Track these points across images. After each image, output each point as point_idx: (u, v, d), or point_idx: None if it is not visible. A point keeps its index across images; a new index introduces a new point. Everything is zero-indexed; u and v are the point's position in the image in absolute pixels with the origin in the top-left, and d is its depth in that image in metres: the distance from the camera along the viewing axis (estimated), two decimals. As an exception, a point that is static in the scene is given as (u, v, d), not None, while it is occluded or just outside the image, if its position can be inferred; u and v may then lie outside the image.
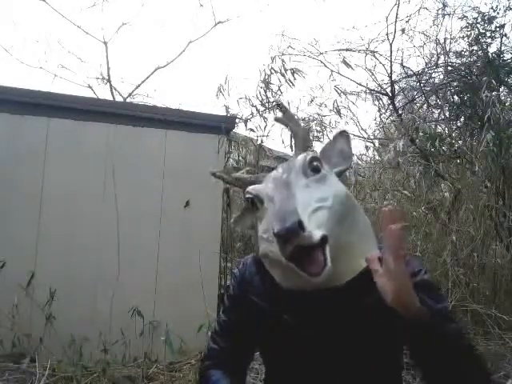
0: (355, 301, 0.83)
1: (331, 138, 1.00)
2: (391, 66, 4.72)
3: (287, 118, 1.01)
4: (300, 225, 0.69)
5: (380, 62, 4.98)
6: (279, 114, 1.01)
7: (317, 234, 0.71)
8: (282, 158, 4.05)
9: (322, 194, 0.80)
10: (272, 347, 0.95)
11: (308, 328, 0.86)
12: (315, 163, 0.85)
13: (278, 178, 0.84)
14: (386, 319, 0.77)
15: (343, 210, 0.80)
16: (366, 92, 5.33)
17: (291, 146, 3.44)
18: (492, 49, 4.72)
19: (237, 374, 0.97)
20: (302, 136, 0.97)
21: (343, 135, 0.98)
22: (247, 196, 0.88)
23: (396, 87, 5.15)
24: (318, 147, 4.63)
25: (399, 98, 5.58)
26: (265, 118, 3.58)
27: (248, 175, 0.99)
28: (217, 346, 1.00)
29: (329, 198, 0.79)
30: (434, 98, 5.38)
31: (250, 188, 0.88)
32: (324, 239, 0.73)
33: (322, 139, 4.20)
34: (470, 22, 4.92)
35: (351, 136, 1.01)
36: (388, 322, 0.78)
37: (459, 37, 5.09)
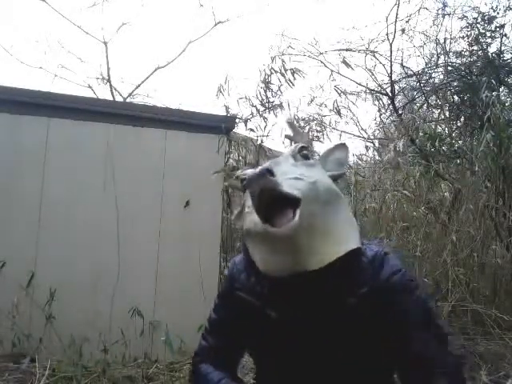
0: (335, 291, 0.83)
1: (331, 145, 1.07)
2: (391, 66, 4.71)
3: (296, 136, 1.05)
4: (269, 172, 0.74)
5: (380, 62, 4.98)
6: (283, 115, 1.06)
7: (288, 189, 0.75)
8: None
9: (307, 173, 0.83)
10: (258, 343, 0.96)
11: (289, 319, 0.85)
12: (305, 151, 0.90)
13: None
14: (369, 311, 0.79)
15: (325, 196, 0.82)
16: (366, 92, 5.33)
17: (291, 146, 3.44)
18: (492, 49, 4.72)
19: (227, 370, 0.98)
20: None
21: (343, 146, 1.03)
22: (240, 178, 0.94)
23: (396, 87, 5.15)
24: (317, 147, 4.62)
25: (399, 97, 5.59)
26: (265, 118, 3.58)
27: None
28: (207, 344, 1.02)
29: (312, 177, 0.82)
30: (434, 97, 5.38)
31: (243, 172, 0.95)
32: (297, 200, 0.75)
33: (321, 139, 4.21)
34: (470, 21, 4.92)
35: (349, 142, 1.06)
36: (370, 314, 0.80)
37: (459, 37, 5.09)
